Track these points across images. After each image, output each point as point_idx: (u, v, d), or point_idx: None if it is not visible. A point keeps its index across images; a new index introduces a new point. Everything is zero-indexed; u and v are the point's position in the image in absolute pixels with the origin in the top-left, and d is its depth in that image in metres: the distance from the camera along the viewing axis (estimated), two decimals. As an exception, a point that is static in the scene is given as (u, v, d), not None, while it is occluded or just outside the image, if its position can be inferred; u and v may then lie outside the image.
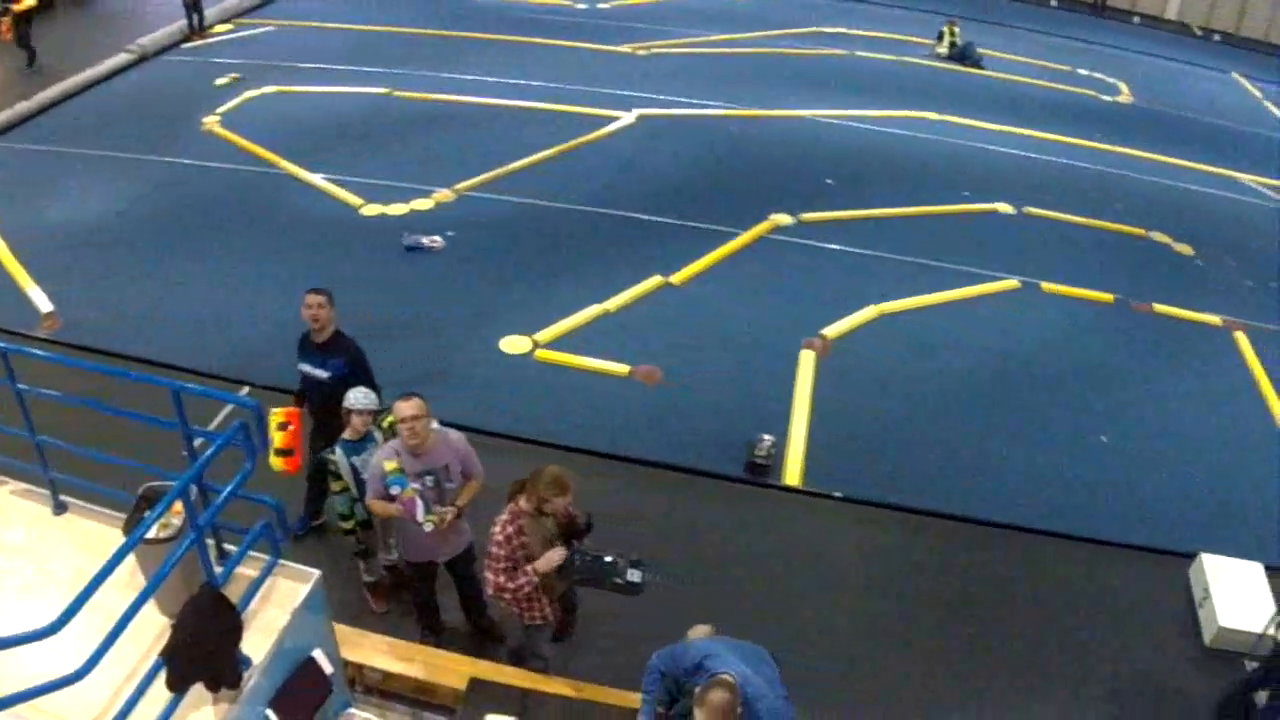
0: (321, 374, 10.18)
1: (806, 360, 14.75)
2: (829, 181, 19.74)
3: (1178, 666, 11.31)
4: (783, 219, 18.15)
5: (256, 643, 6.13)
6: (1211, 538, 13.00)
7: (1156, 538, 13.11)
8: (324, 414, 10.21)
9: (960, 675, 10.63)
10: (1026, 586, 12.00)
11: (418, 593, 9.88)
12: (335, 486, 9.71)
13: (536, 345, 14.51)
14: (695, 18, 29.33)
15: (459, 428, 9.34)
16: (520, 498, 8.24)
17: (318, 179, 18.78)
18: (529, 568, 8.18)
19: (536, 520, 8.24)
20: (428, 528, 8.66)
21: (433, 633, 10.06)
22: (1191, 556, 12.59)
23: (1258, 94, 34.58)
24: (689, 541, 11.45)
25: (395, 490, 8.61)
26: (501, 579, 8.18)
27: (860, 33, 30.15)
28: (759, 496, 12.52)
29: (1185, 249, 20.74)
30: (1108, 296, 18.05)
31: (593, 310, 15.27)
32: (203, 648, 5.64)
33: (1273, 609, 10.93)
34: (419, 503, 8.61)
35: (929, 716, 7.84)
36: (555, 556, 8.22)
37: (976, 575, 12.00)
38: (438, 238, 16.99)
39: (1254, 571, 12.34)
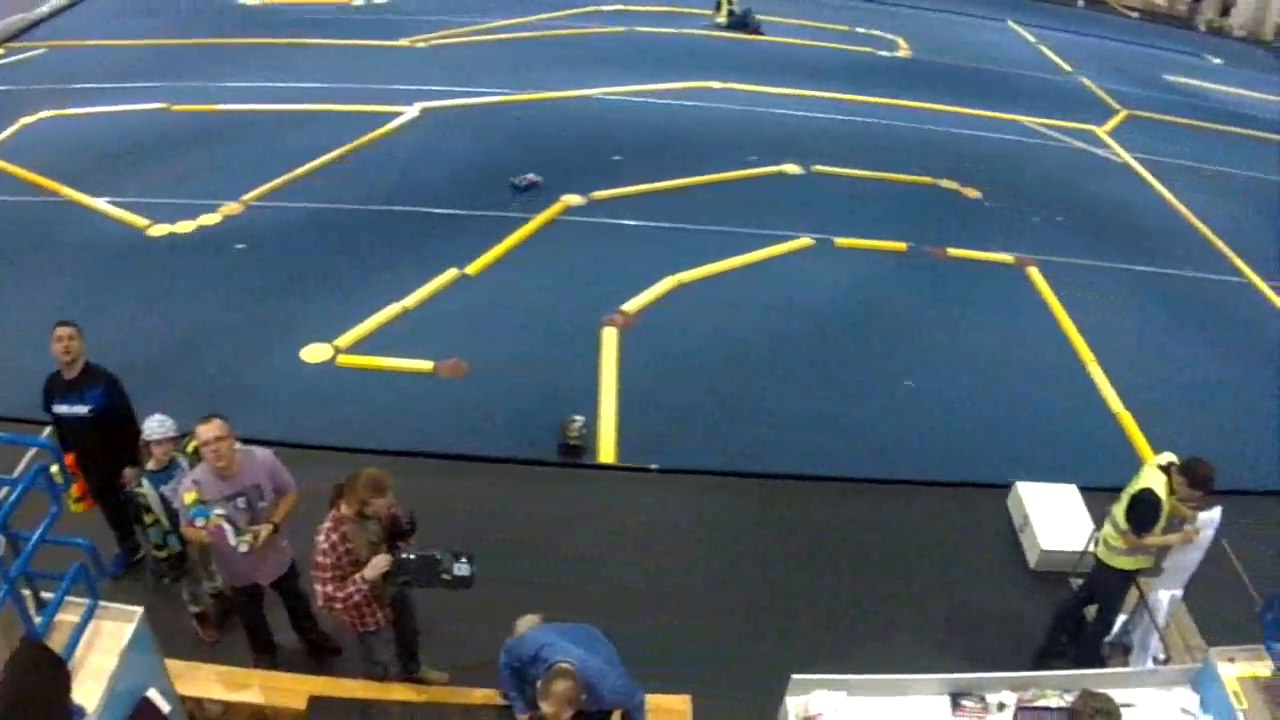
0: (82, 410, 9.60)
1: (609, 337, 14.66)
2: (616, 158, 19.66)
3: (1008, 592, 11.63)
4: (574, 199, 18.01)
5: (88, 691, 5.86)
6: (1026, 466, 13.37)
7: (973, 472, 13.48)
8: (97, 452, 9.67)
9: (800, 628, 10.72)
10: (854, 535, 12.16)
11: (247, 617, 9.48)
12: (147, 519, 9.24)
13: (338, 351, 14.10)
14: (472, 6, 28.98)
15: (267, 444, 9.09)
16: (340, 503, 7.99)
17: (101, 203, 17.92)
18: (357, 576, 7.94)
19: (360, 525, 8.00)
20: (242, 548, 8.32)
21: (267, 655, 9.67)
22: (1008, 487, 12.95)
23: (1033, 39, 35.60)
24: (511, 530, 11.20)
25: (200, 522, 8.25)
26: (330, 588, 7.94)
27: (639, 8, 30.16)
28: (576, 477, 12.46)
29: (973, 193, 21.28)
30: (900, 245, 18.37)
31: (392, 309, 14.91)
32: (31, 705, 5.30)
33: (1090, 527, 11.17)
34: (227, 528, 8.25)
35: (772, 672, 7.82)
36: (381, 563, 7.98)
37: (802, 530, 12.13)
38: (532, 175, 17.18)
39: (1069, 494, 12.76)
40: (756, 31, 29.56)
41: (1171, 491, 9.43)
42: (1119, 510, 9.79)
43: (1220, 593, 11.63)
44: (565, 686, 6.60)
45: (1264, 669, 8.67)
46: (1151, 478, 9.53)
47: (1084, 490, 12.87)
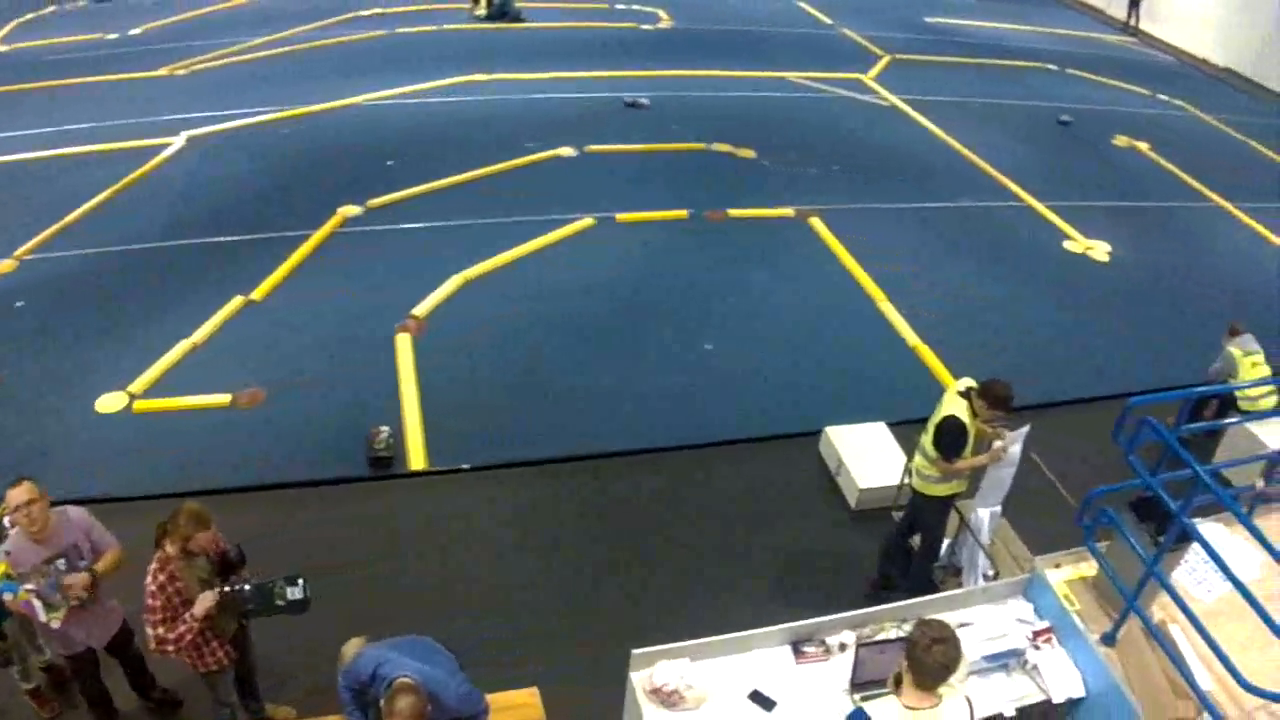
0: None
1: (403, 344, 14.53)
2: (390, 163, 19.45)
3: (834, 535, 11.96)
4: (352, 210, 17.77)
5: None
6: (834, 410, 13.79)
7: (784, 424, 13.82)
8: None
9: (638, 603, 10.88)
10: (675, 502, 12.35)
11: (84, 686, 9.09)
12: None
13: (133, 397, 13.57)
14: (229, 27, 28.24)
15: (77, 503, 8.68)
16: (165, 543, 7.74)
17: None
18: (187, 615, 7.73)
19: (187, 562, 7.78)
20: (54, 624, 8.02)
21: (109, 721, 9.37)
22: (819, 433, 13.31)
23: (790, -5, 36.27)
24: (333, 551, 11.10)
25: (8, 597, 7.90)
26: (160, 630, 7.68)
27: (397, 9, 29.89)
28: (389, 489, 12.29)
29: (748, 153, 21.68)
30: (681, 213, 18.65)
31: (182, 347, 14.40)
32: None
33: (903, 460, 11.54)
34: (36, 604, 7.91)
35: (617, 652, 7.92)
36: (208, 598, 7.77)
37: (624, 505, 12.27)
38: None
39: (878, 431, 13.19)
40: (517, 19, 29.54)
41: (974, 414, 9.79)
42: (927, 440, 10.09)
43: (1038, 505, 12.25)
44: (409, 701, 6.47)
45: (1089, 569, 9.06)
46: (953, 404, 9.86)
47: (892, 425, 13.37)
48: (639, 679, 7.74)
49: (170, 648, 7.81)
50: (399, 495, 12.22)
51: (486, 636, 9.72)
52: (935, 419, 9.99)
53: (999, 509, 10.72)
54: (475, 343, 14.81)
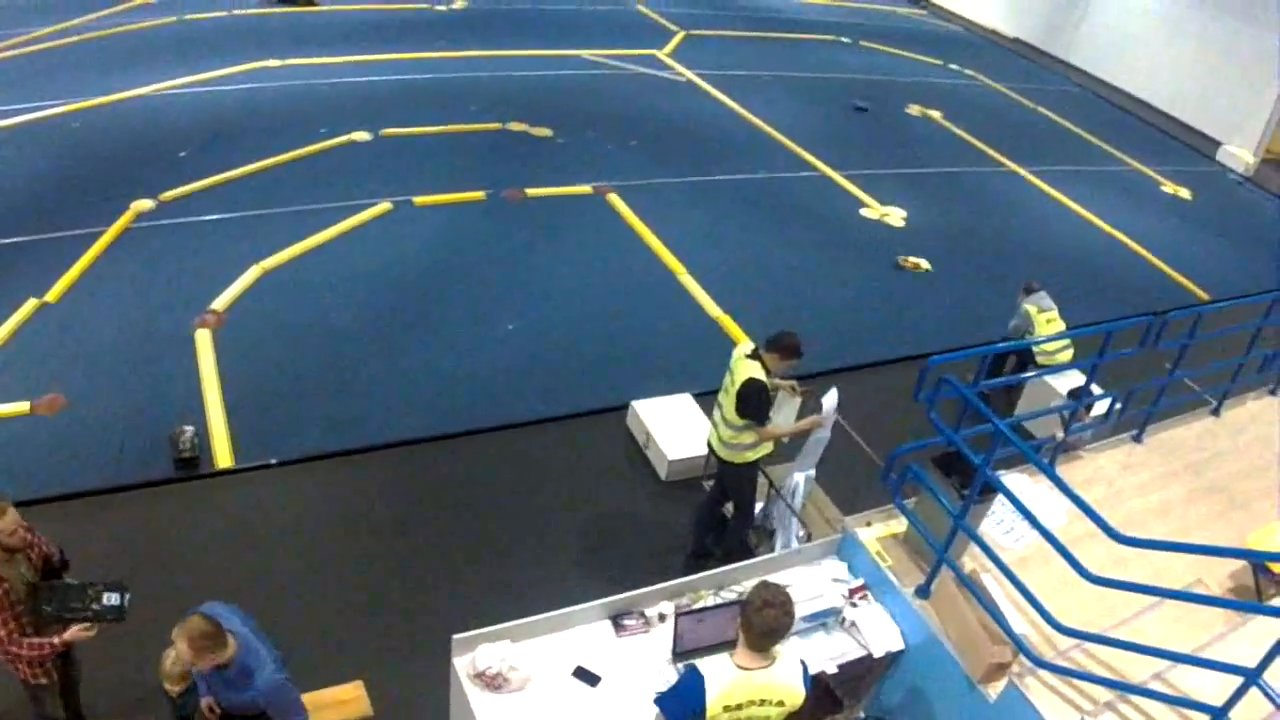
0: None
1: (203, 339, 13.98)
2: (182, 154, 18.76)
3: (646, 508, 11.98)
4: (145, 204, 17.01)
5: None
6: (640, 384, 13.88)
7: (592, 400, 13.81)
8: None
9: (459, 588, 10.72)
10: (488, 485, 12.25)
11: None
12: None
13: None
14: (9, 17, 27.17)
15: None
16: None
17: None
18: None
19: (9, 560, 7.34)
20: None
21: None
22: (626, 408, 13.34)
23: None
24: (144, 558, 10.59)
25: None
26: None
27: (186, -6, 29.21)
28: (197, 490, 11.78)
29: (544, 131, 21.56)
30: (479, 195, 18.47)
31: None
32: None
33: (710, 429, 11.63)
34: None
35: (440, 639, 7.79)
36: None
37: (437, 491, 12.10)
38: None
39: (684, 402, 13.27)
40: (310, 3, 28.95)
41: (768, 371, 9.84)
42: (730, 409, 10.06)
43: (847, 466, 12.48)
44: (197, 619, 6.42)
45: (898, 526, 9.23)
46: (747, 368, 9.84)
47: (698, 396, 13.46)
48: (462, 664, 7.63)
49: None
50: (207, 495, 11.77)
51: (306, 633, 9.48)
52: (734, 387, 9.96)
53: (813, 473, 10.84)
54: (276, 334, 14.39)
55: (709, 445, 10.85)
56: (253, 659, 6.77)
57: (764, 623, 6.16)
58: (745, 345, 10.24)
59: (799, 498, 10.78)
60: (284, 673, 6.99)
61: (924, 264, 18.70)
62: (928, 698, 8.35)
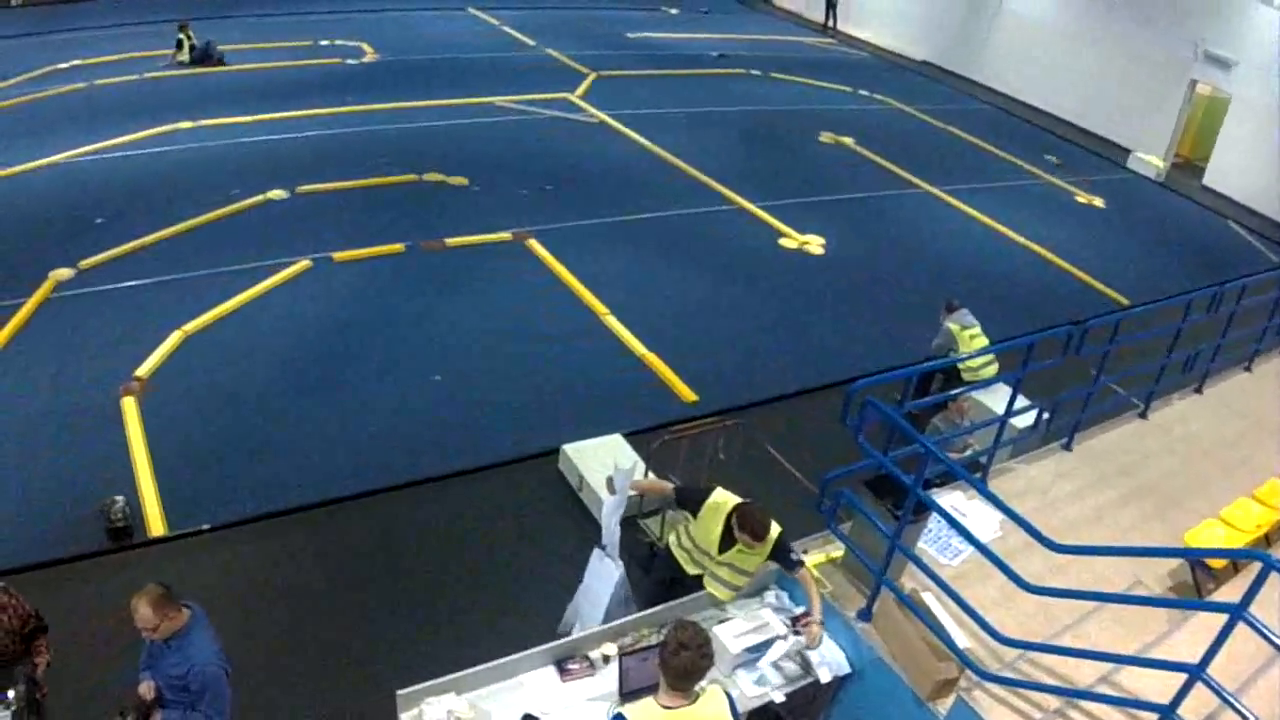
0: None
1: (129, 408, 13.77)
2: (99, 221, 18.56)
3: (583, 549, 11.58)
4: (64, 273, 16.77)
5: None
6: (573, 427, 13.82)
7: (523, 447, 13.75)
8: None
9: (404, 645, 10.60)
10: (426, 538, 12.19)
11: None
12: None
13: None
14: None
15: None
16: None
17: None
18: None
19: None
20: None
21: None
22: (558, 452, 13.30)
23: (495, 21, 36.34)
24: (79, 630, 10.22)
25: None
26: None
27: (98, 60, 28.73)
28: (132, 560, 11.58)
29: (460, 181, 21.59)
30: (399, 247, 18.43)
31: None
32: None
33: (642, 466, 11.59)
34: None
35: (385, 693, 7.69)
36: None
37: (374, 547, 12.01)
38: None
39: (615, 443, 13.23)
40: (220, 63, 28.79)
41: (727, 527, 8.63)
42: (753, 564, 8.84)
43: (782, 496, 12.45)
44: (153, 585, 7.12)
45: (837, 550, 9.27)
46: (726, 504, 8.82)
47: (629, 435, 13.43)
48: (409, 719, 7.56)
49: None
50: (142, 565, 11.51)
51: (248, 698, 9.34)
52: (763, 549, 8.62)
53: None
54: (202, 398, 14.20)
55: (681, 564, 9.47)
56: (200, 638, 7.13)
57: (680, 665, 6.25)
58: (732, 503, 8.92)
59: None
60: (224, 674, 7.23)
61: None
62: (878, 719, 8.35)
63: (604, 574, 9.66)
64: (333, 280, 17.30)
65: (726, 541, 8.63)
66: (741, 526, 8.39)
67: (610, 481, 9.63)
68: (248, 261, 17.49)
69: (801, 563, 8.41)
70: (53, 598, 10.71)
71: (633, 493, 9.99)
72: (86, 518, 11.96)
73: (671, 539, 9.47)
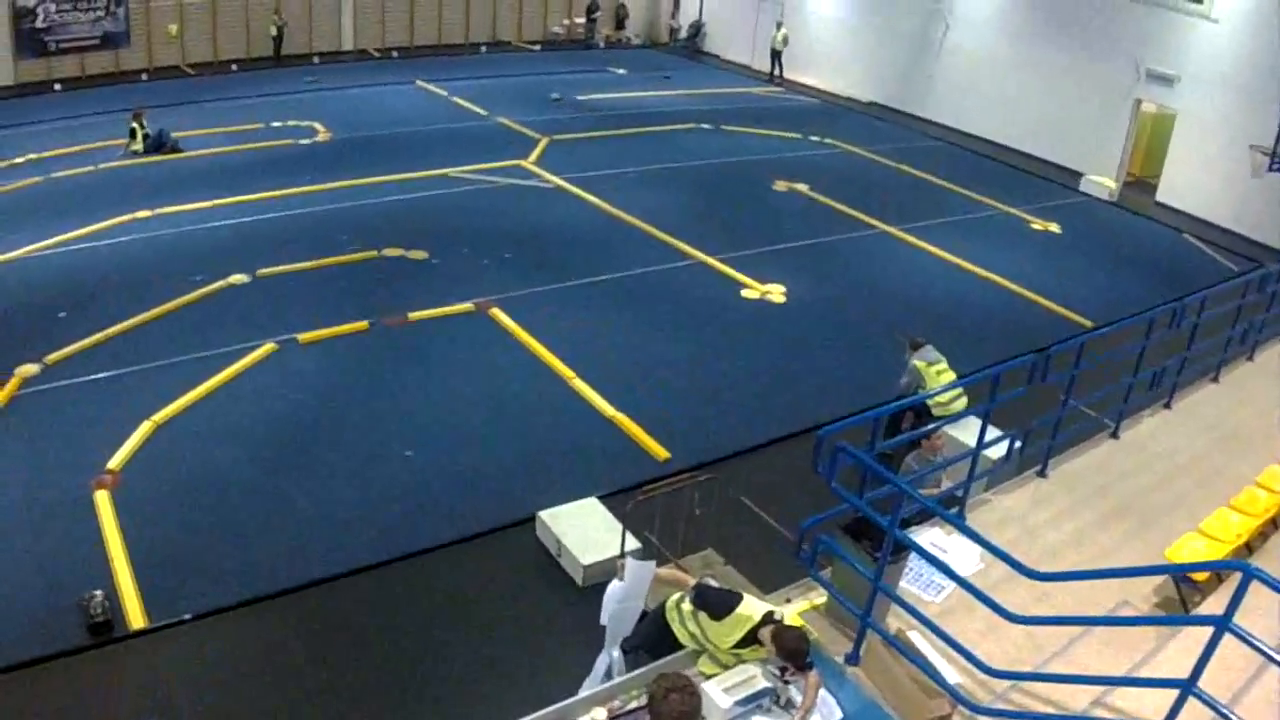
0: None
1: (102, 501, 13.66)
2: (61, 315, 18.48)
3: (567, 614, 11.89)
4: (30, 369, 16.65)
5: None
6: (547, 493, 13.83)
7: (498, 517, 13.75)
8: None
9: None
10: (406, 615, 12.14)
11: None
12: None
13: None
14: None
15: None
16: None
17: None
18: None
19: None
20: None
21: None
22: (534, 519, 13.28)
23: (445, 93, 36.49)
24: None
25: None
26: None
27: (52, 153, 28.58)
28: (114, 654, 11.43)
29: (419, 254, 21.70)
30: (363, 324, 18.46)
31: None
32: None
33: (618, 528, 11.56)
34: None
35: None
36: None
37: (356, 628, 11.95)
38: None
39: (591, 506, 13.26)
40: (175, 150, 28.77)
41: (758, 641, 8.37)
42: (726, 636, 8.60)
43: (762, 547, 12.61)
44: None
45: (819, 597, 9.27)
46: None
47: (604, 498, 13.45)
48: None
49: None
50: (125, 658, 11.44)
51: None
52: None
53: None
54: (175, 487, 14.14)
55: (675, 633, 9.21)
56: None
57: (670, 710, 6.22)
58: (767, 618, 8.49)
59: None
60: None
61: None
62: (874, 762, 8.31)
63: (640, 574, 9.53)
64: (299, 361, 17.30)
65: (744, 643, 8.39)
66: (782, 651, 8.01)
67: (621, 568, 9.52)
68: (213, 348, 17.46)
69: (813, 665, 8.06)
70: (34, 696, 10.76)
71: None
72: (65, 613, 11.84)
73: (670, 605, 9.14)
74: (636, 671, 8.67)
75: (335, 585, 12.56)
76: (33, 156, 28.10)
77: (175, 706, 10.78)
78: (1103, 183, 30.31)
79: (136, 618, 11.94)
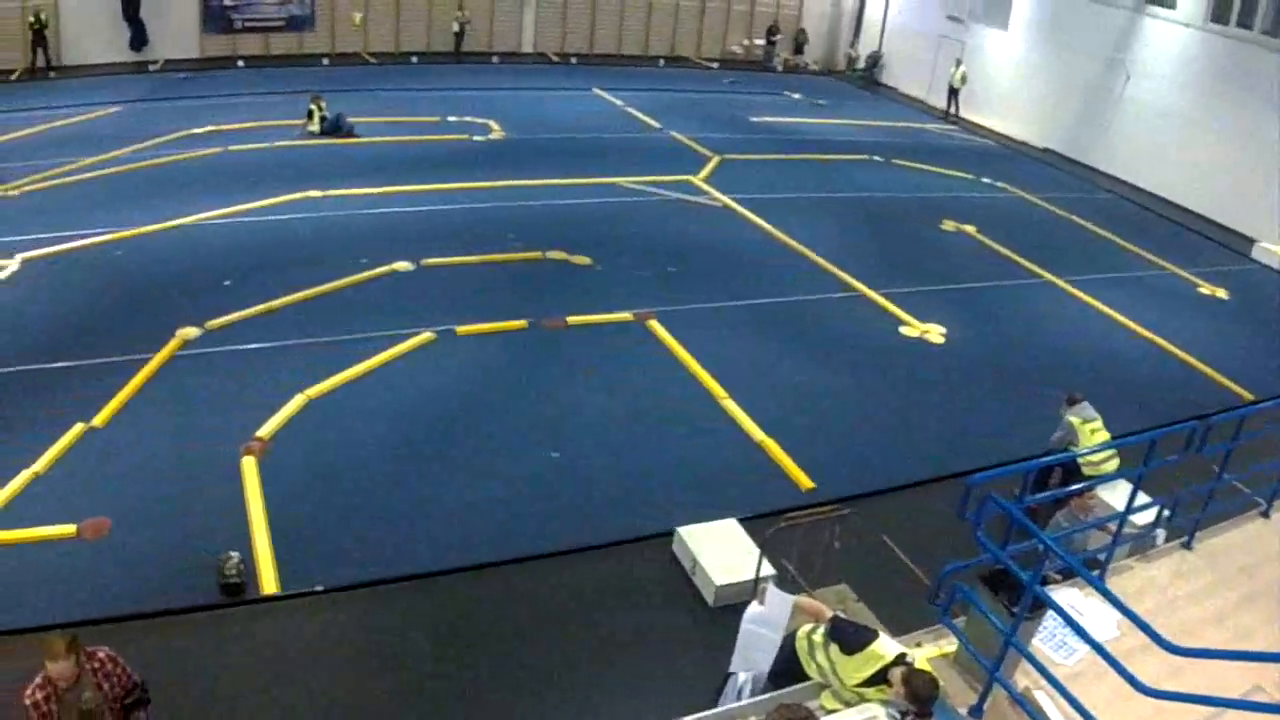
0: None
1: (249, 467, 14.10)
2: (227, 283, 19.08)
3: (693, 633, 11.87)
4: (191, 332, 17.29)
5: None
6: (686, 510, 13.80)
7: (637, 527, 13.75)
8: None
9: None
10: (537, 614, 12.19)
11: None
12: None
13: None
14: (58, 146, 27.40)
15: None
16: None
17: None
18: None
19: (71, 686, 7.49)
20: None
21: None
22: (672, 534, 13.27)
23: (620, 103, 36.80)
24: (188, 682, 10.53)
25: None
26: None
27: (231, 126, 29.31)
28: (242, 616, 11.73)
29: (583, 260, 21.90)
30: (521, 323, 18.68)
31: (23, 477, 13.56)
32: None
33: (755, 553, 11.56)
34: None
35: None
36: None
37: (484, 620, 12.03)
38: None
39: (730, 528, 13.17)
40: (350, 134, 29.43)
41: (886, 681, 8.30)
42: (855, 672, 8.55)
43: (895, 587, 12.41)
44: None
45: (949, 645, 9.18)
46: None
47: (744, 521, 13.37)
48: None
49: None
50: (252, 622, 11.73)
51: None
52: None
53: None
54: (321, 462, 14.51)
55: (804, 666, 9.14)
56: None
57: None
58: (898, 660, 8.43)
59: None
60: None
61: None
62: (990, 817, 8.22)
63: (780, 605, 9.51)
64: (455, 353, 17.63)
65: (871, 681, 8.32)
66: (911, 694, 7.85)
67: (763, 593, 9.58)
68: (371, 330, 17.90)
69: (932, 714, 7.94)
70: (161, 649, 11.00)
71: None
72: (200, 571, 12.20)
73: (802, 635, 9.09)
74: (759, 698, 8.65)
75: (465, 577, 12.68)
76: (212, 128, 28.96)
77: (295, 676, 11.01)
78: (1276, 251, 29.45)
79: (269, 583, 12.24)
